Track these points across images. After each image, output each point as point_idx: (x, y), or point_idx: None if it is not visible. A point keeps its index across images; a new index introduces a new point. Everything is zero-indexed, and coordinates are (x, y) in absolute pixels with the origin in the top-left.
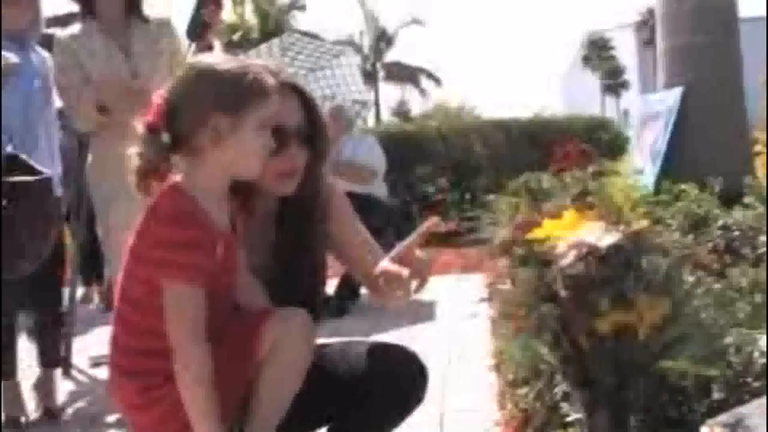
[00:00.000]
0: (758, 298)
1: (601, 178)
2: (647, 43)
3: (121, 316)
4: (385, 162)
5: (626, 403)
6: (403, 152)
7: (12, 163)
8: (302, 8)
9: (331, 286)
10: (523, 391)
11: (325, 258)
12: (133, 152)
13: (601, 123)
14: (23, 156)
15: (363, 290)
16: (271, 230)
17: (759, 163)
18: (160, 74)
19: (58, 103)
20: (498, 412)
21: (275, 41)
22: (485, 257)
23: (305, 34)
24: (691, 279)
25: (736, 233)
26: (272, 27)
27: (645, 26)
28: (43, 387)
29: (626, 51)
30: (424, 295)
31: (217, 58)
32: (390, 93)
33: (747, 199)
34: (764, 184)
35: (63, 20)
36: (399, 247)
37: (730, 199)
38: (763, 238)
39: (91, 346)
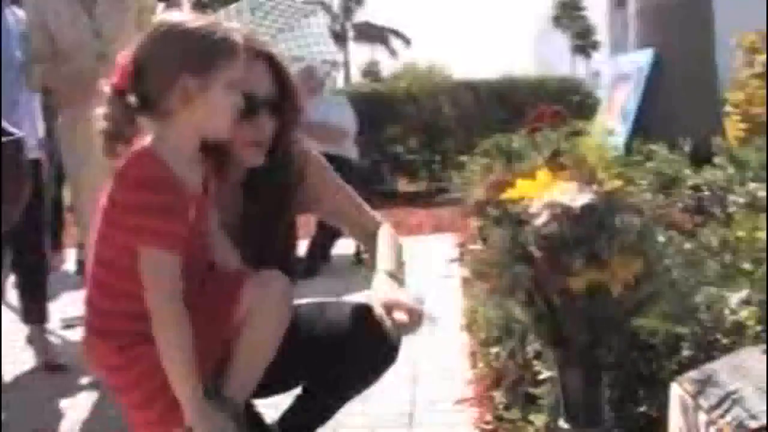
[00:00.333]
0: (727, 257)
1: (574, 138)
2: (619, 4)
3: (96, 278)
4: (356, 122)
5: (599, 361)
6: (374, 113)
7: None
8: None
9: (302, 248)
10: (495, 350)
11: (296, 220)
12: (99, 114)
13: (572, 84)
14: None
15: (334, 252)
16: (241, 199)
17: (729, 123)
18: (126, 33)
19: None
20: (470, 371)
21: (245, 0)
22: (457, 218)
23: None
24: (662, 239)
25: (707, 193)
26: None
27: None
28: (37, 342)
29: (597, 11)
30: None
31: (185, 16)
32: (360, 53)
33: (717, 160)
34: (734, 144)
35: None
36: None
37: (700, 159)
38: (732, 197)
39: (63, 307)
